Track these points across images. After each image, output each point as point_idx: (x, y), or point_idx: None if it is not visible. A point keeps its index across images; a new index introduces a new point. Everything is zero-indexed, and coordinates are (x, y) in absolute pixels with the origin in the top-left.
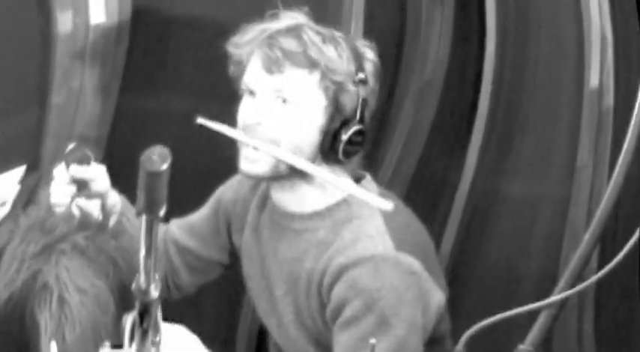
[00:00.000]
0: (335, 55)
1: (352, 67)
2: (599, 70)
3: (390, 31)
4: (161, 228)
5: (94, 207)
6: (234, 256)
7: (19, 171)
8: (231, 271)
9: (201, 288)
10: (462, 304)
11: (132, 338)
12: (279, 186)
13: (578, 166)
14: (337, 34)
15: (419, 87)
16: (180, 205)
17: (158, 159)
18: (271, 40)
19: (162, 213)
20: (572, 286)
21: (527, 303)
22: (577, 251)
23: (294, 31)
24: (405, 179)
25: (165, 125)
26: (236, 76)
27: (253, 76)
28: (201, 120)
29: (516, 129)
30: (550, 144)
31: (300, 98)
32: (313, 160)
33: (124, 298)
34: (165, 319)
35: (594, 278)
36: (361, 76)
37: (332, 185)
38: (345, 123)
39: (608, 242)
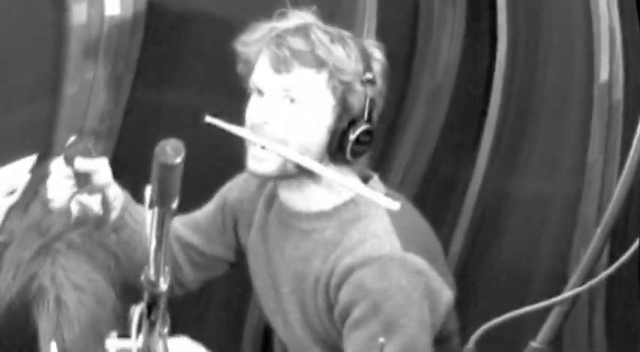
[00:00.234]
0: (343, 54)
1: (360, 67)
2: (608, 63)
3: (403, 32)
4: None
5: (94, 202)
6: (240, 254)
7: (30, 160)
8: (239, 269)
9: (209, 286)
10: (472, 303)
11: (139, 330)
12: (286, 185)
13: (589, 162)
14: (345, 33)
15: (430, 87)
16: (191, 200)
17: (172, 152)
18: (279, 39)
19: (174, 206)
20: (584, 282)
21: (537, 302)
22: (589, 246)
23: (303, 30)
24: (416, 179)
25: (178, 119)
26: (244, 74)
27: (261, 75)
28: (209, 119)
29: (527, 128)
30: (561, 142)
31: (308, 97)
32: (321, 160)
33: (126, 292)
34: (172, 317)
35: (605, 273)
36: (369, 76)
37: (339, 185)
38: (353, 123)
39: (618, 237)
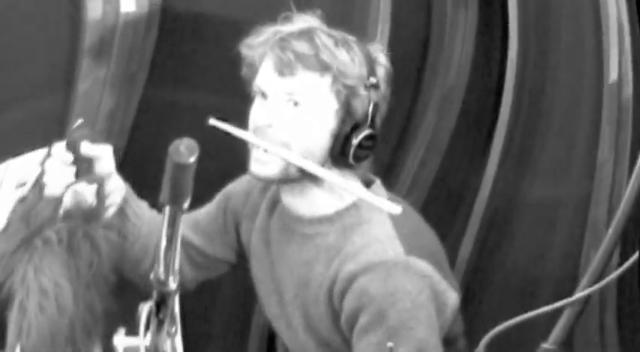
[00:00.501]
0: (347, 58)
1: (364, 71)
2: (617, 60)
3: (416, 35)
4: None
5: (89, 192)
6: (241, 256)
7: (42, 153)
8: (245, 269)
9: (215, 285)
10: (482, 306)
11: (147, 328)
12: (289, 189)
13: (599, 162)
14: (350, 38)
15: (442, 91)
16: (203, 200)
17: (186, 151)
18: (284, 42)
19: (186, 205)
20: (595, 283)
21: (547, 304)
22: (600, 247)
23: (307, 34)
24: (427, 183)
25: (189, 119)
26: (248, 78)
27: (265, 78)
28: (213, 121)
29: (537, 131)
30: (571, 144)
31: (311, 101)
32: (323, 164)
33: (103, 293)
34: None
35: (617, 272)
36: (373, 80)
37: (341, 188)
38: (356, 128)
39: (629, 236)
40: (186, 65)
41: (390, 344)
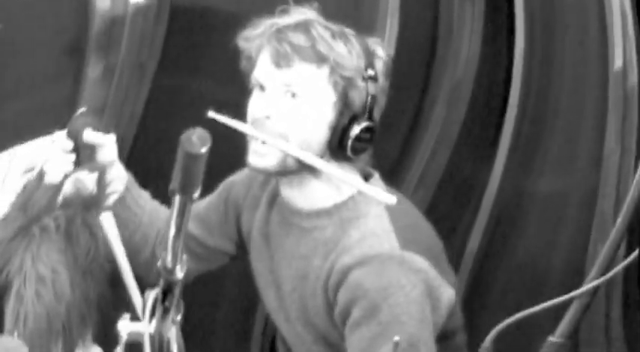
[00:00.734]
0: (344, 50)
1: (362, 64)
2: (622, 47)
3: (425, 29)
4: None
5: (90, 180)
6: (241, 247)
7: (49, 140)
8: (248, 265)
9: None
10: (490, 299)
11: (152, 315)
12: (287, 182)
13: (605, 153)
14: (348, 30)
15: (451, 85)
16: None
17: (198, 141)
18: (280, 34)
19: (196, 195)
20: (602, 275)
21: (553, 298)
22: (607, 240)
23: (304, 25)
24: (436, 175)
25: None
26: (247, 70)
27: (263, 70)
28: (212, 114)
29: (545, 123)
30: (578, 137)
31: (308, 93)
32: (322, 156)
33: (99, 281)
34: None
35: (624, 263)
36: (371, 72)
37: (338, 180)
38: (354, 120)
39: (636, 228)
40: (195, 57)
41: (396, 338)
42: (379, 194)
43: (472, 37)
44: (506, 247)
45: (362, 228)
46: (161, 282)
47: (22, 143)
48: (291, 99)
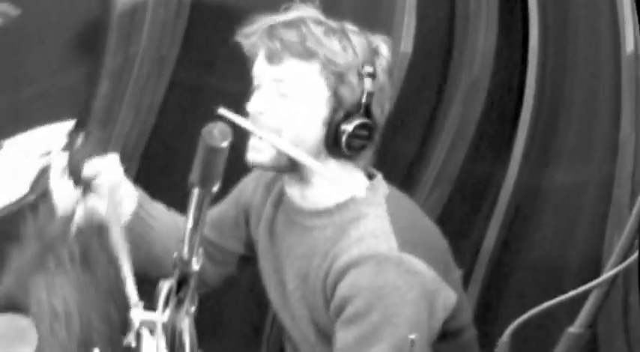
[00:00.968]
0: (337, 46)
1: (357, 60)
2: (632, 30)
3: (441, 27)
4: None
5: (101, 205)
6: (253, 249)
7: (68, 124)
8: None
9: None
10: (507, 294)
11: (166, 305)
12: (291, 181)
13: (621, 140)
14: (350, 27)
15: (467, 83)
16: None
17: (219, 135)
18: (272, 31)
19: (215, 189)
20: (620, 263)
21: (570, 290)
22: (624, 229)
23: (296, 23)
24: (454, 172)
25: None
26: (250, 67)
27: (258, 66)
28: (222, 111)
29: (560, 116)
30: (593, 126)
31: (300, 89)
32: (318, 154)
33: (120, 305)
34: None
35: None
36: (369, 69)
37: (315, 171)
38: (349, 116)
39: None
40: (214, 51)
41: (412, 336)
42: (325, 174)
43: (488, 28)
44: (523, 241)
45: (361, 228)
46: (176, 273)
47: (39, 127)
48: (283, 95)
